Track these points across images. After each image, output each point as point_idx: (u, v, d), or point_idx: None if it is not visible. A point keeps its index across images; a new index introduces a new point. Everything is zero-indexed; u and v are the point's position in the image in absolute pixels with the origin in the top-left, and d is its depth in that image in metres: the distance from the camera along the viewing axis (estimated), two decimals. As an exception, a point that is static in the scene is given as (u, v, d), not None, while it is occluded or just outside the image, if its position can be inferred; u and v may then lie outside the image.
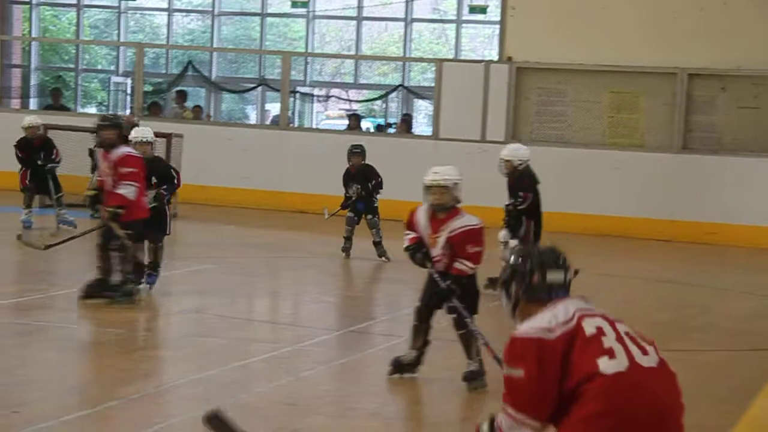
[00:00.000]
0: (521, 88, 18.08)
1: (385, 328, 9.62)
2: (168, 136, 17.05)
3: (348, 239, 14.46)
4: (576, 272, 4.78)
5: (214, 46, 26.79)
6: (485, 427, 4.65)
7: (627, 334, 4.46)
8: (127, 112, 22.77)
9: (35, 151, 15.59)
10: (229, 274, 9.46)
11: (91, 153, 16.97)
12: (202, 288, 10.68)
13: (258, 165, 18.14)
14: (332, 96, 26.75)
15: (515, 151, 12.69)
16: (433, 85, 19.54)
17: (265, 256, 13.63)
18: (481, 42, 26.47)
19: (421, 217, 8.25)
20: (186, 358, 8.32)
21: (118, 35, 27.98)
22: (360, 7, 25.02)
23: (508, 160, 12.43)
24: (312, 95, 25.43)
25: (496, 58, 19.02)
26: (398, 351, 7.65)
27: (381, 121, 24.70)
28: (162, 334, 8.94)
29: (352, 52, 26.19)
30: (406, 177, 18.59)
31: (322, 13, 26.24)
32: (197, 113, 22.85)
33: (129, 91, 24.83)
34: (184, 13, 28.75)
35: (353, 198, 14.62)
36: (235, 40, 28.58)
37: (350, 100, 25.27)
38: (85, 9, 28.43)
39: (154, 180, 10.75)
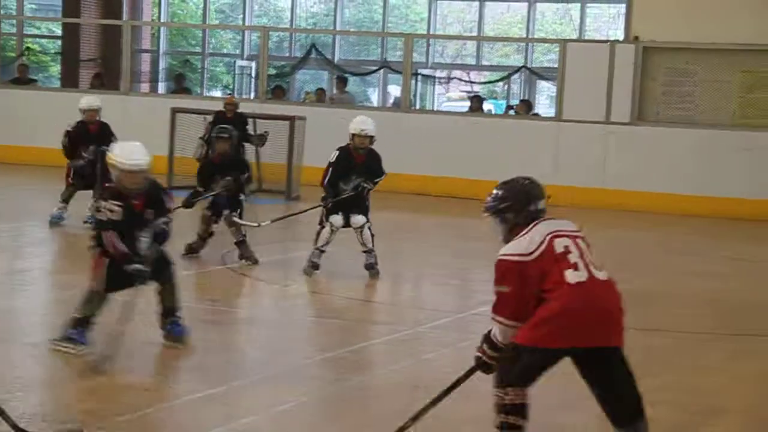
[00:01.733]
0: (647, 69, 17.78)
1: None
2: (291, 119, 17.17)
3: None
4: (549, 197, 5.78)
5: (337, 29, 26.99)
6: (484, 344, 5.68)
7: (586, 254, 5.51)
8: (252, 95, 23.03)
9: (90, 140, 13.42)
10: (348, 255, 9.54)
11: (208, 140, 17.04)
12: (322, 269, 10.69)
13: (378, 147, 18.13)
14: (454, 78, 26.70)
15: None
16: (556, 66, 19.31)
17: (385, 238, 13.54)
18: (606, 21, 26.17)
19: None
20: (309, 338, 8.37)
21: (243, 19, 28.41)
22: (483, -12, 24.97)
23: None
24: (433, 77, 25.40)
25: (621, 38, 18.76)
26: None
27: (503, 103, 24.51)
28: (285, 315, 9.00)
29: (474, 34, 26.10)
30: (529, 159, 18.57)
31: (444, -5, 26.27)
32: (320, 96, 22.94)
33: (253, 74, 25.02)
34: (307, -3, 29.03)
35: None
36: (358, 23, 28.73)
37: (472, 82, 25.12)
38: None
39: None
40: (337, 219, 10.52)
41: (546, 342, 5.37)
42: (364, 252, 10.74)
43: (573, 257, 5.47)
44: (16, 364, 7.22)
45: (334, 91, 23.18)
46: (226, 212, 11.52)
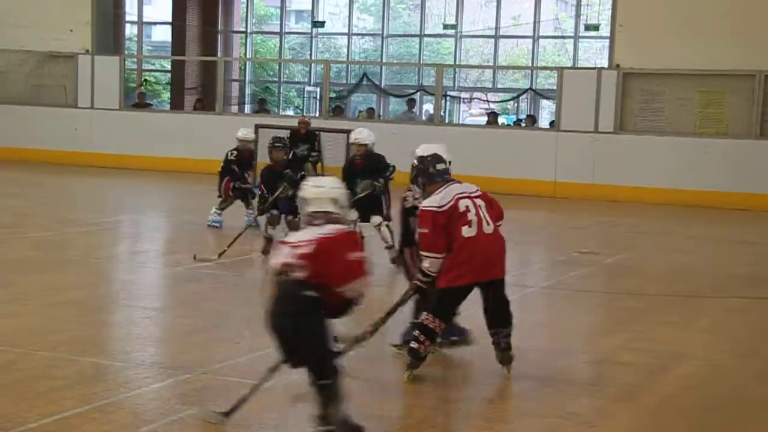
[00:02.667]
0: (627, 90, 17.48)
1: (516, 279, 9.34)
2: (347, 132, 17.06)
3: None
4: (449, 162, 6.07)
5: (383, 61, 26.89)
6: (419, 274, 5.87)
7: (481, 209, 5.81)
8: (317, 114, 22.92)
9: (244, 166, 12.94)
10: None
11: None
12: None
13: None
14: (475, 98, 26.44)
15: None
16: (555, 88, 19.09)
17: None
18: (594, 53, 25.75)
19: None
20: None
21: (311, 54, 28.30)
22: (497, 28, 24.63)
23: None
24: (459, 98, 25.23)
25: (606, 65, 18.49)
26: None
27: (513, 117, 24.30)
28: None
29: (491, 63, 25.82)
30: (534, 161, 18.43)
31: (467, 33, 25.97)
32: (370, 114, 22.84)
33: (318, 97, 24.93)
34: (360, 36, 28.84)
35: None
36: (399, 56, 28.49)
37: (489, 101, 24.81)
38: (286, 35, 28.94)
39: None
40: (352, 213, 8.80)
41: (454, 282, 5.75)
42: (386, 248, 9.41)
43: (470, 215, 5.80)
44: (137, 323, 7.26)
45: (404, 109, 22.90)
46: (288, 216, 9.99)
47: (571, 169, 17.62)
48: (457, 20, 24.82)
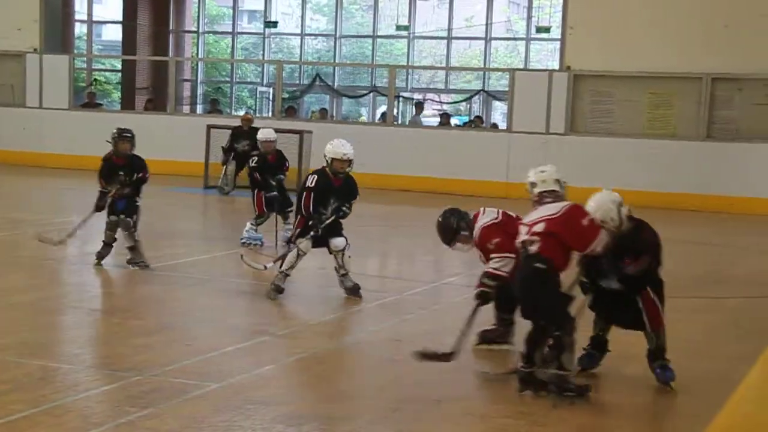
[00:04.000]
0: (577, 91, 17.64)
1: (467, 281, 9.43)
2: (300, 133, 17.06)
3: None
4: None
5: (336, 61, 26.91)
6: (485, 279, 6.10)
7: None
8: (270, 114, 22.89)
9: (271, 169, 11.12)
10: (350, 238, 9.18)
11: (228, 149, 16.49)
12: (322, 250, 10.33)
13: (370, 154, 18.06)
14: (427, 99, 26.55)
15: None
16: (507, 89, 19.22)
17: (380, 225, 13.35)
18: (546, 55, 26.01)
19: None
20: (316, 305, 8.30)
21: (263, 55, 28.27)
22: (449, 29, 24.76)
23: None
24: (412, 98, 25.30)
25: (557, 67, 18.63)
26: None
27: (466, 118, 24.43)
28: (295, 287, 8.90)
29: (443, 65, 25.94)
30: (487, 162, 18.50)
31: (419, 34, 26.07)
32: (323, 114, 22.80)
33: (271, 97, 24.87)
34: (313, 37, 28.82)
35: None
36: (352, 57, 28.54)
37: (441, 102, 25.00)
38: (239, 35, 28.86)
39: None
40: (307, 245, 7.91)
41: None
42: (342, 276, 8.08)
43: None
44: (86, 325, 7.16)
45: (413, 113, 22.56)
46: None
47: (523, 169, 17.53)
48: (409, 21, 24.92)
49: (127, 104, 24.93)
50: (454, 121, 21.83)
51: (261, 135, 11.49)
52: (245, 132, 15.73)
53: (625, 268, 5.67)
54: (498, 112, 24.59)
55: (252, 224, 10.82)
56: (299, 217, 8.11)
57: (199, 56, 28.06)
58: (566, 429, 5.02)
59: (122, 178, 9.31)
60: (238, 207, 15.94)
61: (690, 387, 5.56)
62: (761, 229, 14.84)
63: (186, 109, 25.22)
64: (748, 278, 10.43)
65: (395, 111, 21.66)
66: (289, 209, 10.66)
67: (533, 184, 6.28)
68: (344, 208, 8.25)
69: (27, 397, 5.10)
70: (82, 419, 4.84)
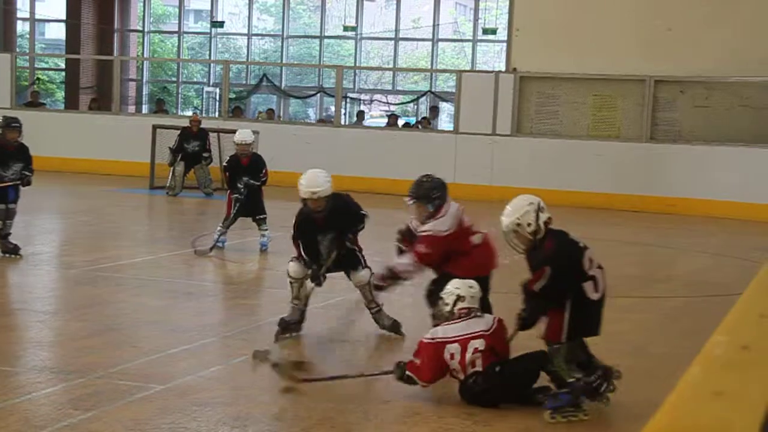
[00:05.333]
0: (524, 93, 17.80)
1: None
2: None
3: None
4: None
5: (284, 62, 26.82)
6: (386, 272, 6.48)
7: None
8: (216, 114, 22.79)
9: (243, 172, 10.86)
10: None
11: (176, 149, 16.43)
12: (274, 250, 10.44)
13: (318, 154, 18.06)
14: (375, 100, 26.63)
15: None
16: (454, 90, 19.32)
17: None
18: (492, 56, 26.23)
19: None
20: (264, 306, 8.31)
21: (210, 54, 28.14)
22: (397, 30, 24.86)
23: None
24: (359, 99, 25.34)
25: (504, 69, 18.80)
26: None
27: (413, 119, 24.52)
28: (245, 287, 8.89)
29: (391, 66, 26.00)
30: (434, 162, 18.55)
31: (367, 35, 26.17)
32: (270, 115, 22.75)
33: (217, 98, 24.69)
34: (260, 37, 28.75)
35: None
36: (300, 57, 28.53)
37: (389, 103, 25.04)
38: (185, 35, 28.63)
39: None
40: (296, 269, 6.82)
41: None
42: (375, 313, 6.96)
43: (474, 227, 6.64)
44: (29, 327, 7.07)
45: (421, 118, 22.67)
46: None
47: (470, 170, 17.86)
48: (357, 22, 24.97)
49: (71, 104, 24.71)
50: (401, 122, 22.09)
51: (237, 137, 11.25)
52: (194, 133, 15.79)
53: (528, 287, 5.36)
54: (445, 113, 24.90)
55: (220, 226, 10.54)
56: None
57: (145, 56, 27.86)
58: (512, 430, 5.08)
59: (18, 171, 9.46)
60: (186, 208, 15.91)
61: (631, 387, 5.67)
62: (701, 229, 15.14)
63: (131, 108, 25.07)
64: (687, 278, 10.63)
65: (342, 111, 21.72)
66: (261, 216, 10.56)
67: (460, 298, 5.54)
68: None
69: (-33, 400, 5.02)
70: (24, 422, 4.79)
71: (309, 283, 6.76)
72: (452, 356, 5.28)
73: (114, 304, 8.04)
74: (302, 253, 6.76)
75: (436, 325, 5.56)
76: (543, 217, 5.43)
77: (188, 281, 9.16)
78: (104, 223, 13.50)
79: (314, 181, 6.74)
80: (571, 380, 5.20)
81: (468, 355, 5.26)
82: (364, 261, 6.86)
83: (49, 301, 8.40)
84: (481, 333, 5.35)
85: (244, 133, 11.31)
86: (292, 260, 6.84)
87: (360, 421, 5.11)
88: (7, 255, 9.41)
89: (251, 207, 10.57)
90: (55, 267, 9.98)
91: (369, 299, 6.83)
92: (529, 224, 5.35)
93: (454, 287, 5.56)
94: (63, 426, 4.74)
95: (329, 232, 6.78)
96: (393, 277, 6.58)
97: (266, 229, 10.49)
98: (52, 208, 15.22)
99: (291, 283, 6.81)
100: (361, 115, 22.06)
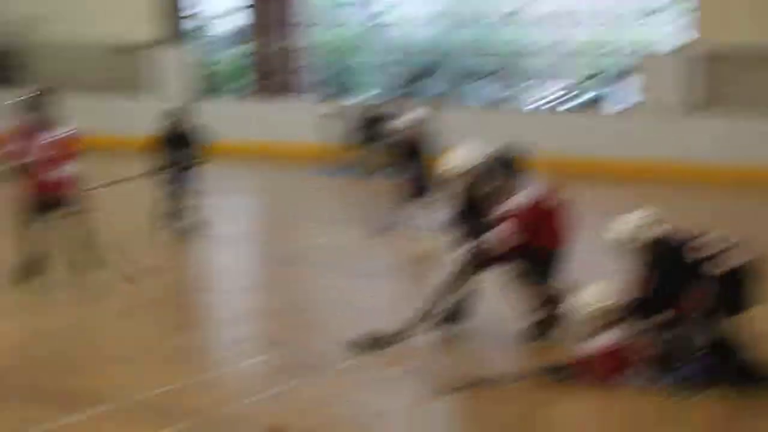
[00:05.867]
0: (712, 67, 17.69)
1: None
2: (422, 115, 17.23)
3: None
4: None
5: (455, 47, 26.05)
6: (479, 247, 6.59)
7: None
8: (393, 98, 22.90)
9: (410, 153, 11.24)
10: None
11: (361, 131, 16.99)
12: None
13: (491, 133, 18.08)
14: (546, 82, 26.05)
15: None
16: (635, 67, 18.94)
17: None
18: (677, 29, 25.25)
19: None
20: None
21: (380, 44, 27.76)
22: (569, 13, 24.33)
23: None
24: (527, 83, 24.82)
25: (688, 42, 18.19)
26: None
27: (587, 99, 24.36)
28: (424, 266, 8.88)
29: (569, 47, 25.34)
30: (617, 140, 18.30)
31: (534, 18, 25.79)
32: (442, 100, 22.54)
33: (394, 82, 25.02)
34: (429, 25, 28.63)
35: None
36: (468, 43, 27.96)
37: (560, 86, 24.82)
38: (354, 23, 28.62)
39: None
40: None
41: None
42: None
43: None
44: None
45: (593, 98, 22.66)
46: None
47: (657, 146, 18.12)
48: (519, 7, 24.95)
49: (253, 91, 25.28)
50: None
51: (407, 118, 11.71)
52: (380, 116, 16.28)
53: None
54: (627, 91, 23.59)
55: (401, 207, 10.95)
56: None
57: (316, 44, 27.84)
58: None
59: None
60: (369, 189, 16.19)
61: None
62: None
63: (309, 95, 25.22)
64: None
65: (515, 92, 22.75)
66: (427, 196, 10.67)
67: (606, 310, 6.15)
68: None
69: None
70: (236, 390, 5.16)
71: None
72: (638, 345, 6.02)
73: (303, 283, 8.42)
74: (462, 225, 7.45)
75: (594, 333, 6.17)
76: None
77: (373, 262, 9.41)
78: (290, 205, 14.36)
79: (465, 158, 7.36)
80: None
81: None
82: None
83: (239, 280, 8.88)
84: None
85: (412, 115, 11.72)
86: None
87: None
88: (190, 235, 10.26)
89: (423, 188, 10.78)
90: (245, 247, 10.53)
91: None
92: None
93: (597, 300, 6.09)
94: (273, 394, 5.03)
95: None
96: (482, 252, 6.71)
97: (437, 210, 10.40)
98: (239, 189, 16.12)
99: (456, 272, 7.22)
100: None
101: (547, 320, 6.80)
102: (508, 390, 5.67)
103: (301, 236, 11.23)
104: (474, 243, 6.77)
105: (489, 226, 6.93)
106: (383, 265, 9.47)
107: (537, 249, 6.76)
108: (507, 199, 6.74)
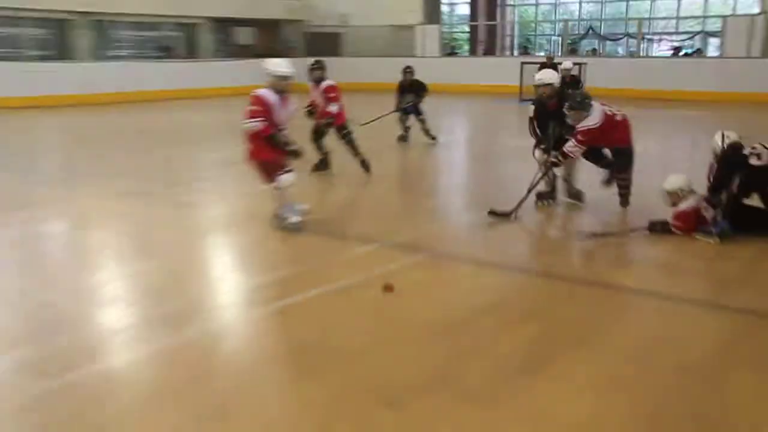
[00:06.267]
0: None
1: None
2: (580, 65, 17.81)
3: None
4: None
5: (602, 17, 27.95)
6: (559, 155, 7.03)
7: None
8: (560, 53, 23.52)
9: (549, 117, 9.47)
10: None
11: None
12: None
13: (625, 75, 19.93)
14: (663, 39, 27.00)
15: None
16: (719, 30, 19.82)
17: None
18: (750, 4, 25.30)
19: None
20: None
21: (554, 15, 28.90)
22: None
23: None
24: (652, 39, 25.92)
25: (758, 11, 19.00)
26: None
27: (690, 50, 24.91)
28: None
29: (674, 15, 25.96)
30: (703, 78, 19.42)
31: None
32: (594, 53, 24.50)
33: (560, 43, 25.68)
34: (586, 2, 28.93)
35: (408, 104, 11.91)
36: (612, 13, 28.65)
37: (673, 41, 25.54)
38: (539, 5, 29.91)
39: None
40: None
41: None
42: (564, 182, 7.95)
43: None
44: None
45: (695, 49, 22.49)
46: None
47: (731, 83, 19.35)
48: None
49: (472, 52, 27.86)
50: (681, 53, 24.38)
51: (567, 65, 13.67)
52: (553, 65, 16.22)
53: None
54: (712, 47, 25.89)
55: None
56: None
57: (515, 19, 30.68)
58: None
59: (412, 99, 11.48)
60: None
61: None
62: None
63: (507, 52, 28.21)
64: None
65: (642, 47, 24.44)
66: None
67: (684, 188, 6.62)
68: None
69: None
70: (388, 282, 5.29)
71: (541, 155, 7.59)
72: (705, 209, 6.55)
73: (502, 167, 9.95)
74: (537, 132, 7.56)
75: (675, 203, 6.62)
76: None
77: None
78: (491, 119, 16.31)
79: (549, 75, 7.57)
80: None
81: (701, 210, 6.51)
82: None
83: (457, 166, 10.48)
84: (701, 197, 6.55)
85: (566, 64, 13.50)
86: (535, 150, 7.67)
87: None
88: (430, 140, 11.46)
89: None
90: (464, 150, 12.17)
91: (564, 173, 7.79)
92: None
93: (682, 182, 6.57)
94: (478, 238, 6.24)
95: (556, 117, 7.39)
96: (564, 156, 7.11)
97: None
98: (461, 113, 18.32)
99: (543, 165, 7.52)
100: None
101: (624, 194, 7.46)
102: (625, 237, 6.50)
103: (498, 140, 12.78)
104: (558, 149, 7.13)
105: (569, 132, 7.18)
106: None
107: (611, 148, 7.22)
108: (580, 114, 7.02)
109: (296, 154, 6.71)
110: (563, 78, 12.96)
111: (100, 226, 7.55)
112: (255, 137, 6.62)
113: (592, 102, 7.12)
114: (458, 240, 6.79)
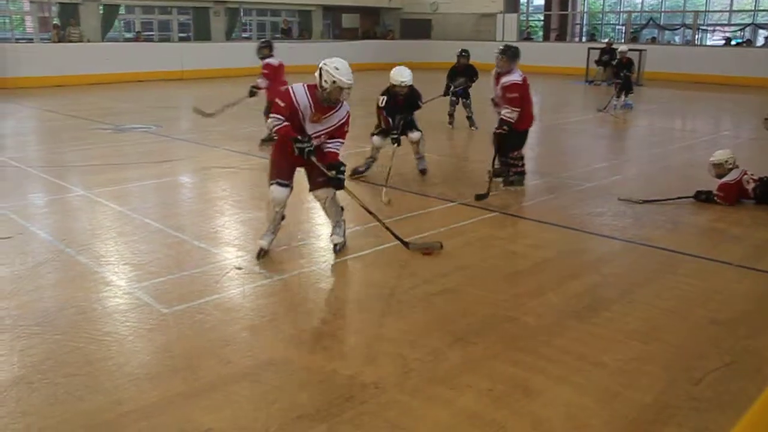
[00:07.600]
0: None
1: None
2: (640, 51, 17.45)
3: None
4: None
5: (663, 9, 26.80)
6: (504, 124, 6.49)
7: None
8: (622, 40, 22.93)
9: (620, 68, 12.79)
10: None
11: (599, 59, 17.59)
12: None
13: (679, 61, 19.46)
14: (716, 29, 25.48)
15: None
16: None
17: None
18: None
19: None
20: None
21: (620, 6, 27.78)
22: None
23: None
24: (706, 30, 24.87)
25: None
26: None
27: (740, 39, 23.51)
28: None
29: (727, 8, 24.76)
30: (752, 64, 18.87)
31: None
32: (653, 41, 23.08)
33: (623, 31, 24.46)
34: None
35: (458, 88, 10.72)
36: (671, 6, 27.68)
37: (725, 31, 24.17)
38: None
39: None
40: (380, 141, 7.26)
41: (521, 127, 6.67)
42: (418, 158, 7.44)
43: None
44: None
45: (745, 39, 21.43)
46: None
47: None
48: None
49: (545, 38, 27.07)
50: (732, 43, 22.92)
51: (623, 50, 13.21)
52: (606, 50, 17.76)
53: None
54: (761, 36, 24.71)
55: (616, 96, 12.61)
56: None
57: (585, 9, 29.70)
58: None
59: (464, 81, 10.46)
60: (599, 89, 17.44)
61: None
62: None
63: (576, 39, 27.12)
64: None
65: (697, 37, 23.67)
66: (626, 93, 12.64)
67: (730, 159, 6.54)
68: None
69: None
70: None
71: (379, 141, 7.07)
72: (747, 182, 6.47)
73: (565, 136, 9.85)
74: (388, 120, 6.97)
75: (720, 175, 6.49)
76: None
77: (601, 128, 10.52)
78: (559, 97, 15.98)
79: (409, 77, 6.84)
80: None
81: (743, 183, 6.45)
82: (417, 127, 7.18)
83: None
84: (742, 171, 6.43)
85: (626, 49, 13.19)
86: (374, 135, 7.09)
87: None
88: (475, 127, 10.53)
89: (623, 88, 12.54)
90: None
91: (418, 152, 7.32)
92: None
93: (727, 156, 6.45)
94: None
95: (403, 109, 7.01)
96: (506, 123, 6.56)
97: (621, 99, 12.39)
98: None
99: (373, 149, 7.13)
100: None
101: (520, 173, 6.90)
102: (673, 204, 6.34)
103: (563, 115, 12.44)
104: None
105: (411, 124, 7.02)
106: (605, 128, 10.85)
107: (520, 130, 6.73)
108: (508, 64, 6.57)
109: (337, 182, 4.77)
110: (620, 60, 13.19)
111: (225, 177, 7.54)
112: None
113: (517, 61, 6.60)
114: (523, 202, 6.73)
